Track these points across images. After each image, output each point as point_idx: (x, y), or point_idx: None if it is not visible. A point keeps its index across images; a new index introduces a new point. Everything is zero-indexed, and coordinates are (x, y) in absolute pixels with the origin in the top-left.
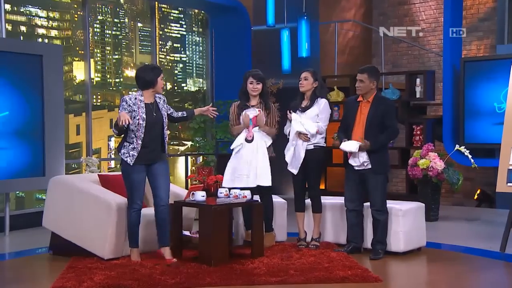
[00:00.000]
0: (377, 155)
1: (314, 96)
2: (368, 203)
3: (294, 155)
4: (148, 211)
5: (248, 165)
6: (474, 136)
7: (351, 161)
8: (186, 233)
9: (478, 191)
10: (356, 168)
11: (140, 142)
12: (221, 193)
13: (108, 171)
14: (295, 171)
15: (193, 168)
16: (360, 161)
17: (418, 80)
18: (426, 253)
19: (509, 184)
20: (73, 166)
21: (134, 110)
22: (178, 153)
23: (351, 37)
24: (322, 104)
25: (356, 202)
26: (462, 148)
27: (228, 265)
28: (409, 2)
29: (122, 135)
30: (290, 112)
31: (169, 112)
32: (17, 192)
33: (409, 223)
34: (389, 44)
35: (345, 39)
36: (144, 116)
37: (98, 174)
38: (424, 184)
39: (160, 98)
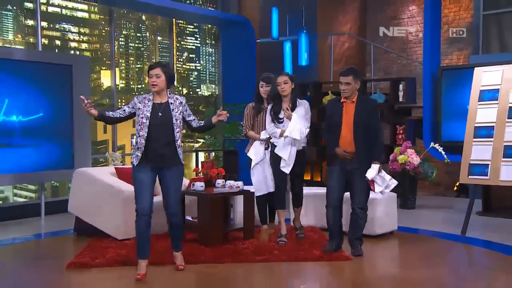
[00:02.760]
0: (366, 157)
1: (295, 97)
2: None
3: (291, 155)
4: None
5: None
6: (450, 135)
7: (378, 189)
8: (189, 218)
9: (457, 183)
10: (384, 190)
11: (143, 141)
12: (218, 183)
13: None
14: (288, 170)
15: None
16: (387, 180)
17: (401, 86)
18: (397, 236)
19: (469, 176)
20: (100, 160)
21: (139, 109)
22: (193, 149)
23: (347, 48)
24: (306, 105)
25: (340, 200)
26: (437, 145)
27: (222, 246)
28: (399, 17)
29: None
30: (288, 110)
31: (187, 119)
32: (53, 182)
33: (382, 210)
34: (381, 54)
35: (342, 49)
36: (148, 115)
37: (115, 167)
38: (403, 176)
39: (176, 99)
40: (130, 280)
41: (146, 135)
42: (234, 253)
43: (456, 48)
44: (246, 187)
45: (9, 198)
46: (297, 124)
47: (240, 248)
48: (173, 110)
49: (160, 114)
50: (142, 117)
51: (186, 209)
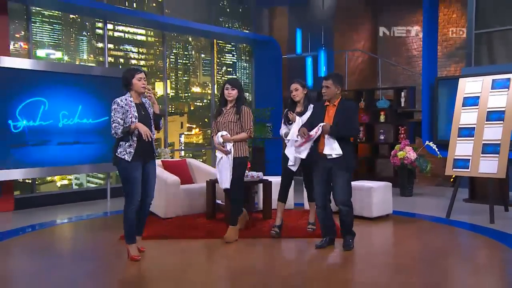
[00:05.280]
0: (344, 154)
1: (307, 102)
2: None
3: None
4: (192, 186)
5: (226, 170)
6: (444, 135)
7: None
8: (219, 201)
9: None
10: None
11: (135, 138)
12: None
13: (179, 158)
14: (294, 168)
15: None
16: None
17: (403, 93)
18: (391, 218)
19: (454, 169)
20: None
21: (127, 110)
22: None
23: (360, 62)
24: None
25: (325, 196)
26: (431, 143)
27: None
28: (405, 36)
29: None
30: (291, 114)
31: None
32: (117, 171)
33: (379, 196)
34: (389, 67)
35: (356, 63)
36: (136, 114)
37: (161, 160)
38: (402, 169)
39: (146, 100)
40: (165, 249)
41: (137, 132)
42: (252, 230)
43: (453, 61)
44: (266, 177)
45: (84, 184)
46: (299, 127)
47: (258, 226)
48: (148, 108)
49: (143, 113)
50: (131, 117)
51: (216, 195)
